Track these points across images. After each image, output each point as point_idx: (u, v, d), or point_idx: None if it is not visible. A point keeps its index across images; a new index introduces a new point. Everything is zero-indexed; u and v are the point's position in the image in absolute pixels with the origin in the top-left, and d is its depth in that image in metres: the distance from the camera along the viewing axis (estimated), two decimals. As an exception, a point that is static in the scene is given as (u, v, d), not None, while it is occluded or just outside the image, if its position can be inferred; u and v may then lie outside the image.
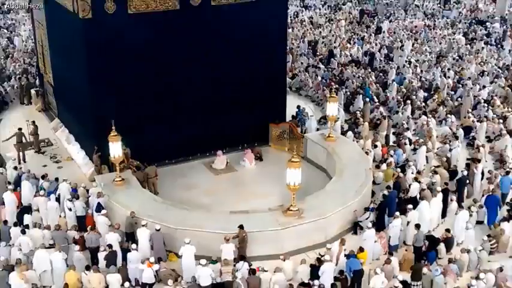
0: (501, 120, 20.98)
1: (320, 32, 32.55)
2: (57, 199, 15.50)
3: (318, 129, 20.25)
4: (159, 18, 16.60)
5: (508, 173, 17.12)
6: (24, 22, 32.38)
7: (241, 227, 13.79)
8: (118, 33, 16.19)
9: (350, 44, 30.29)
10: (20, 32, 31.68)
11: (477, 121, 20.86)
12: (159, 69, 17.02)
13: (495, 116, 21.33)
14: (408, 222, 14.79)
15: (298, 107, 21.68)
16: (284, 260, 13.60)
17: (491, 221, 15.80)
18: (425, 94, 23.49)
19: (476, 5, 38.17)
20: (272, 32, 18.54)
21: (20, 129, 18.75)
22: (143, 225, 13.87)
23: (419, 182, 16.45)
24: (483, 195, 16.56)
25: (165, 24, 16.71)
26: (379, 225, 14.99)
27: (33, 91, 22.89)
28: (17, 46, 29.66)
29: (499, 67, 26.75)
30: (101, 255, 13.48)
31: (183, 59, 17.19)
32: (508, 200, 16.56)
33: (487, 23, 33.80)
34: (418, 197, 15.95)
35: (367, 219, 15.09)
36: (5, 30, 32.55)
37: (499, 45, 30.21)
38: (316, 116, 21.88)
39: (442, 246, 14.33)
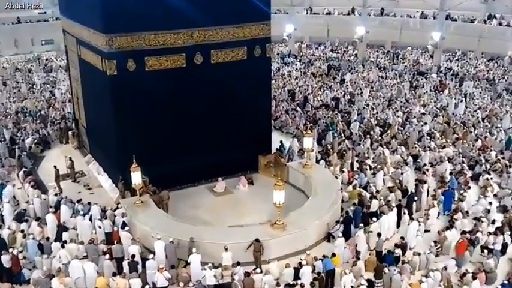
0: (441, 149, 21.09)
1: (297, 82, 32.80)
2: (90, 219, 15.31)
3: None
4: (170, 73, 16.69)
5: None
6: (63, 79, 32.44)
7: (257, 240, 13.63)
8: (137, 86, 16.26)
9: (321, 91, 30.51)
10: (59, 86, 31.76)
11: (422, 150, 20.99)
12: (170, 114, 17.02)
13: (436, 146, 21.47)
14: (371, 232, 14.78)
15: (281, 141, 21.68)
16: (269, 263, 13.51)
17: (447, 209, 16.59)
18: (381, 130, 23.64)
19: (417, 60, 38.77)
20: (259, 83, 18.62)
21: (55, 166, 18.61)
22: (158, 239, 13.70)
23: (377, 199, 16.42)
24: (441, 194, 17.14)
25: (174, 79, 16.76)
26: (347, 235, 14.91)
27: (70, 133, 22.78)
28: (57, 97, 29.68)
29: (437, 108, 27.05)
30: (125, 264, 13.30)
31: (189, 106, 17.24)
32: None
33: (427, 74, 34.27)
34: (378, 211, 15.94)
35: (337, 230, 15.06)
36: (48, 86, 32.66)
37: (436, 91, 30.60)
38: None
39: (398, 251, 14.28)
